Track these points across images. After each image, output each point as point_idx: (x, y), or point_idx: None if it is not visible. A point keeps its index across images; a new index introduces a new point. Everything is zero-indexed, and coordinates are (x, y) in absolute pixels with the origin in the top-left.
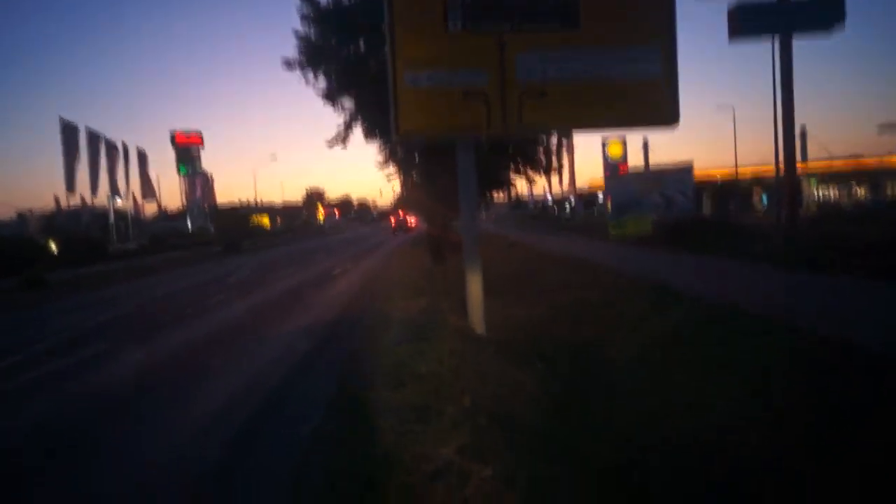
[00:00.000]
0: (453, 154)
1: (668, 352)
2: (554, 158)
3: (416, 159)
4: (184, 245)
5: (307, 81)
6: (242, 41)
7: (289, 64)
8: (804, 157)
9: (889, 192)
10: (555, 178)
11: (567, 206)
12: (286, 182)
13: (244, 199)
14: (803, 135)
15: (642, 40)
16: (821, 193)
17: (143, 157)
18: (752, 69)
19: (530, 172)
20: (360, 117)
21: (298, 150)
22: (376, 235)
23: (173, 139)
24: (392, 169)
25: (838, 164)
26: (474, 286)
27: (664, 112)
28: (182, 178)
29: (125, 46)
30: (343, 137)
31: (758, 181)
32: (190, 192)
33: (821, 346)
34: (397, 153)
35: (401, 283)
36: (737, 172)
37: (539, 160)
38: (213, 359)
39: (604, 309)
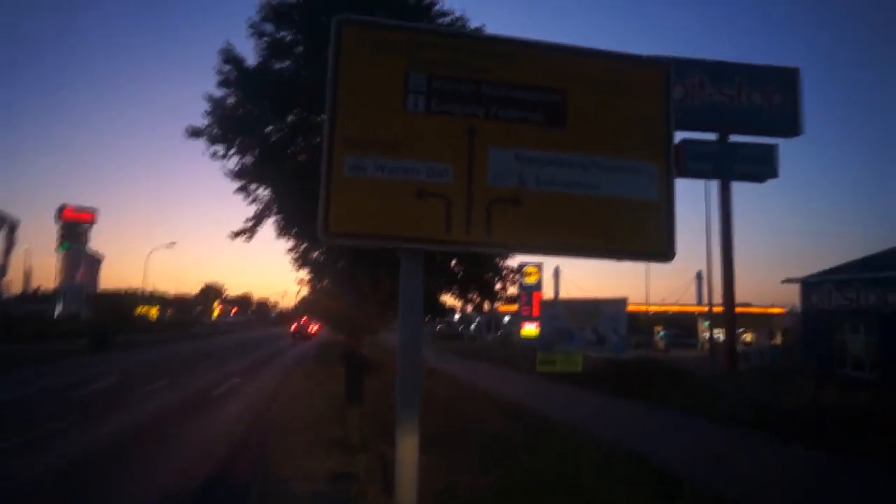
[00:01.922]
0: (387, 263)
1: None
2: (507, 285)
3: (338, 262)
4: (45, 334)
5: (214, 156)
6: (151, 119)
7: (195, 133)
8: (699, 300)
9: (776, 339)
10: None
11: (475, 327)
12: (183, 272)
13: (135, 287)
14: (699, 278)
15: (635, 153)
16: (713, 335)
17: (11, 226)
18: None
19: (475, 298)
20: (275, 208)
21: (200, 239)
22: (273, 342)
23: (59, 213)
24: (304, 272)
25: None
26: (407, 450)
27: (658, 241)
28: (61, 256)
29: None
30: (251, 230)
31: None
32: (68, 273)
33: None
34: (314, 256)
35: (303, 424)
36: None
37: (490, 284)
38: None
39: (572, 492)
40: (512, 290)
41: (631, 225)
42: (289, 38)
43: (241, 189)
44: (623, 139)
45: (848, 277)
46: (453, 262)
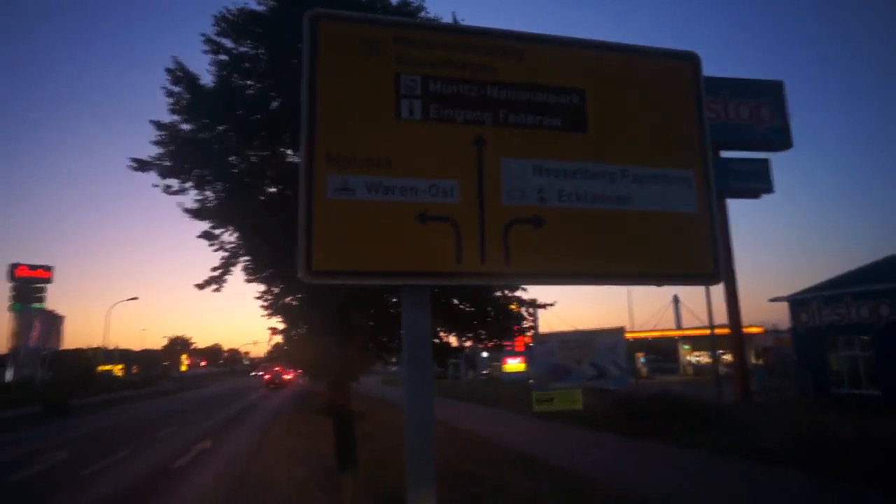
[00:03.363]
0: (374, 302)
1: None
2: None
3: (317, 305)
4: None
5: (167, 191)
6: (106, 168)
7: (142, 165)
8: (678, 324)
9: (752, 359)
10: None
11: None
12: (149, 326)
13: (97, 345)
14: (676, 301)
15: (668, 158)
16: (695, 359)
17: None
18: None
19: (483, 339)
20: (242, 251)
21: (165, 290)
22: (246, 393)
23: (11, 272)
24: (277, 319)
25: (708, 331)
26: None
27: (703, 261)
28: (14, 317)
29: None
30: (218, 279)
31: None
32: (22, 334)
33: None
34: (289, 300)
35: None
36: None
37: (499, 323)
38: None
39: None
40: (525, 325)
41: (671, 243)
42: (252, 53)
43: (206, 235)
44: (653, 143)
45: (837, 293)
46: (454, 298)
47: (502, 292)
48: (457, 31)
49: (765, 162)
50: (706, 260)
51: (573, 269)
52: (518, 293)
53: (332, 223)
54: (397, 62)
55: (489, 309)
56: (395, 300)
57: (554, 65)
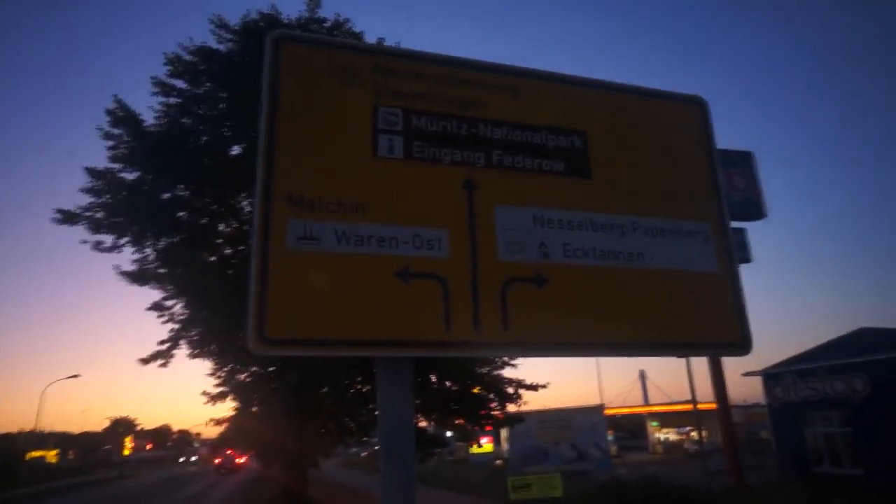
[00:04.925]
0: (334, 377)
1: None
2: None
3: (275, 380)
4: None
5: (97, 247)
6: (41, 238)
7: (68, 218)
8: (645, 400)
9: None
10: None
11: None
12: (90, 407)
13: (31, 429)
14: (643, 377)
15: (681, 209)
16: (662, 436)
17: None
18: None
19: (459, 422)
20: (190, 325)
21: (108, 368)
22: (195, 479)
23: None
24: (227, 401)
25: (677, 407)
26: None
27: (728, 327)
28: None
29: None
30: (166, 353)
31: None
32: None
33: None
34: (243, 377)
35: None
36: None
37: (485, 403)
38: None
39: None
40: (512, 407)
41: (691, 307)
42: (208, 95)
43: (156, 307)
44: (664, 192)
45: (811, 366)
46: (432, 374)
47: (485, 369)
48: (445, 62)
49: (741, 232)
50: (732, 327)
51: (581, 338)
52: (504, 371)
53: (291, 280)
54: (376, 93)
55: (472, 388)
56: (359, 378)
57: (552, 103)
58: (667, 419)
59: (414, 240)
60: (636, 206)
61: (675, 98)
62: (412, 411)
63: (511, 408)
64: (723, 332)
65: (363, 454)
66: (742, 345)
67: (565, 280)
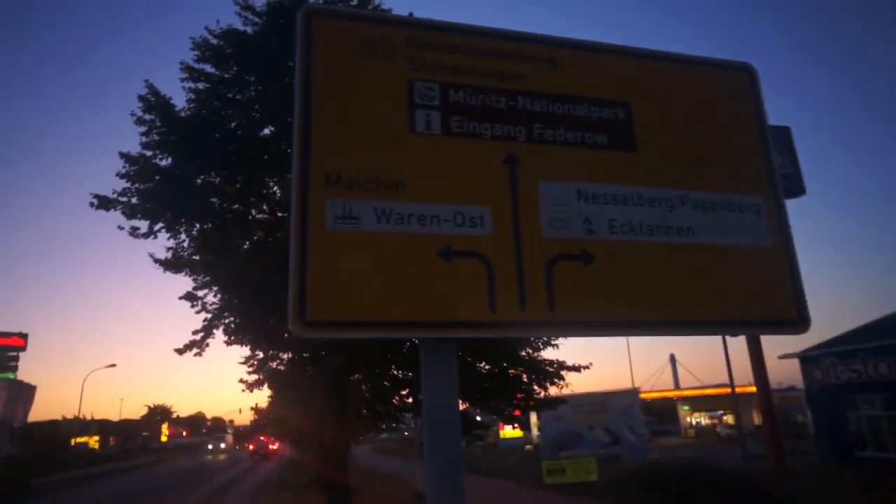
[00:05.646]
0: (372, 361)
1: None
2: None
3: (308, 365)
4: None
5: (133, 233)
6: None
7: (104, 203)
8: (676, 384)
9: (753, 419)
10: None
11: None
12: (128, 395)
13: (74, 416)
14: (673, 361)
15: (732, 182)
16: (694, 420)
17: None
18: None
19: (510, 407)
20: (227, 308)
21: (144, 357)
22: (230, 466)
23: None
24: (263, 389)
25: (709, 391)
26: None
27: (784, 304)
28: None
29: None
30: (200, 342)
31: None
32: None
33: None
34: (276, 364)
35: None
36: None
37: (527, 385)
38: None
39: None
40: (554, 390)
41: (746, 283)
42: (236, 79)
43: (188, 296)
44: (712, 165)
45: (851, 348)
46: (472, 357)
47: (526, 351)
48: (481, 33)
49: None
50: (788, 303)
51: (630, 317)
52: (544, 352)
53: (332, 261)
54: (410, 67)
55: (517, 371)
56: (399, 360)
57: (593, 74)
58: (697, 403)
59: (455, 217)
60: (684, 180)
61: (722, 66)
62: (456, 394)
63: (552, 390)
64: (778, 309)
65: (392, 439)
66: (799, 322)
67: (612, 257)
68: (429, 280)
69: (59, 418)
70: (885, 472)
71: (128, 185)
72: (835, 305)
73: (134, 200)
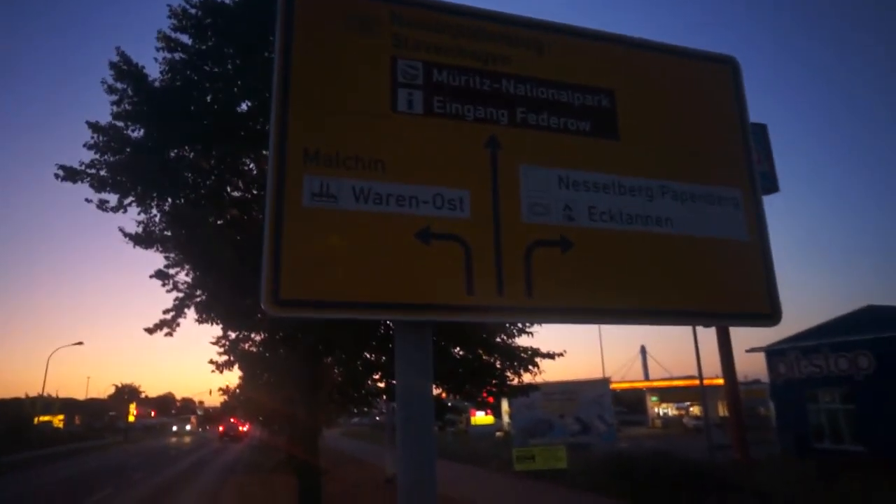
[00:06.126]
0: (346, 343)
1: None
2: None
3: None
4: None
5: (101, 206)
6: (51, 207)
7: (70, 174)
8: (646, 375)
9: (718, 411)
10: None
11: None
12: (95, 374)
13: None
14: (643, 352)
15: (711, 174)
16: (661, 411)
17: None
18: None
19: (481, 393)
20: (199, 285)
21: (112, 335)
22: (198, 447)
23: None
24: (233, 370)
25: (677, 382)
26: None
27: (758, 297)
28: None
29: None
30: (171, 322)
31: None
32: None
33: None
34: (248, 345)
35: None
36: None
37: (501, 372)
38: None
39: None
40: (528, 377)
41: (721, 275)
42: (214, 51)
43: (159, 274)
44: (693, 156)
45: (815, 343)
46: (445, 341)
47: (501, 337)
48: (467, 13)
49: None
50: (761, 297)
51: (607, 305)
52: (519, 339)
53: (307, 239)
54: (394, 44)
55: (491, 358)
56: (372, 343)
57: (579, 60)
58: (666, 394)
59: (435, 199)
60: (665, 170)
61: (706, 57)
62: (431, 378)
63: (526, 377)
64: (752, 302)
65: (364, 424)
66: (772, 315)
67: (591, 244)
68: (406, 262)
69: (23, 396)
70: (837, 464)
71: (96, 156)
72: (803, 301)
73: (103, 173)
